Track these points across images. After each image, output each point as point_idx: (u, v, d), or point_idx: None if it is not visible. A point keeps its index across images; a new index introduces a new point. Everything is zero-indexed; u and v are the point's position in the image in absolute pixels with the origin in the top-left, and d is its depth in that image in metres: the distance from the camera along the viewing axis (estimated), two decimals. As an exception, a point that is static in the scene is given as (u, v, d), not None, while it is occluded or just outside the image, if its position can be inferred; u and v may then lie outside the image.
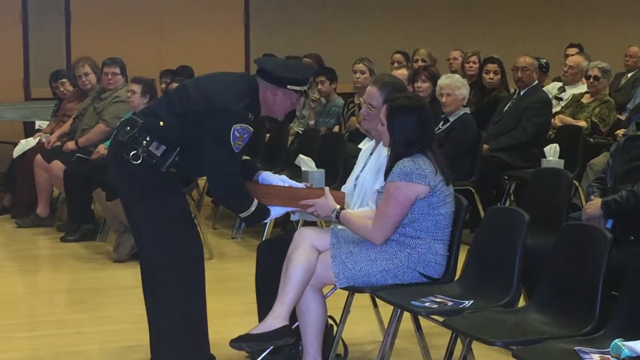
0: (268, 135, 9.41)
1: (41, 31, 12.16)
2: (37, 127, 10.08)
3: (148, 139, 4.83)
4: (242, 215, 4.96)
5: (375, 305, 5.65)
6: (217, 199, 4.96)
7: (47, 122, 9.89)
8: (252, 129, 4.81)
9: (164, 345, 5.01)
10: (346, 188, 5.31)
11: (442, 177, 4.79)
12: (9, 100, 11.50)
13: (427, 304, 4.56)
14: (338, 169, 7.88)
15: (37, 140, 9.44)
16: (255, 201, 4.90)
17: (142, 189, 4.91)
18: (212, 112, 4.79)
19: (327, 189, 5.00)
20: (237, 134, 4.76)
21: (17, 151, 9.46)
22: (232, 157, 4.80)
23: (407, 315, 4.82)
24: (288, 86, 4.91)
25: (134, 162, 4.83)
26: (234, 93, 4.86)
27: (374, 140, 5.34)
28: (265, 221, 5.27)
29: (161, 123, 4.87)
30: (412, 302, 4.57)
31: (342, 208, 4.88)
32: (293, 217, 5.34)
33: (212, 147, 4.81)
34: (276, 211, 5.01)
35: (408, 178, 4.72)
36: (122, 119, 5.09)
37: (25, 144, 9.49)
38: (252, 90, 4.92)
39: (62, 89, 9.71)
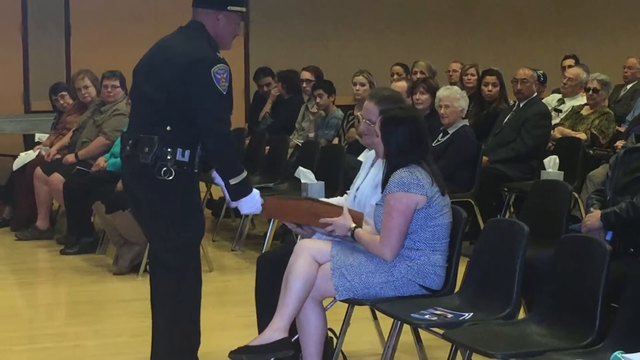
0: (268, 147, 9.41)
1: (41, 44, 12.17)
2: (36, 139, 10.08)
3: (170, 150, 4.82)
4: (233, 181, 4.84)
5: (375, 317, 5.65)
6: (210, 153, 4.78)
7: (47, 135, 9.89)
8: (228, 66, 4.81)
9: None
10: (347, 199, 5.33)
11: (438, 188, 4.80)
12: (9, 113, 11.51)
13: (427, 316, 4.56)
14: (338, 181, 7.88)
15: (36, 153, 9.44)
16: (245, 172, 4.87)
17: (172, 205, 4.88)
18: (186, 71, 4.76)
19: (345, 208, 5.01)
20: (218, 76, 4.76)
21: (17, 164, 9.46)
22: (220, 100, 4.78)
23: (407, 327, 4.82)
24: (228, 7, 4.92)
25: (168, 179, 4.80)
26: (193, 44, 4.85)
27: (373, 151, 5.34)
28: (247, 211, 5.04)
29: (168, 128, 4.84)
30: (412, 315, 4.57)
31: (357, 226, 4.89)
32: (314, 237, 5.28)
33: (200, 97, 4.77)
34: (254, 201, 4.94)
35: (406, 188, 4.73)
36: (126, 141, 4.99)
37: (25, 156, 9.49)
38: (202, 31, 4.92)
39: (61, 101, 9.72)
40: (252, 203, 4.96)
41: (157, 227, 4.98)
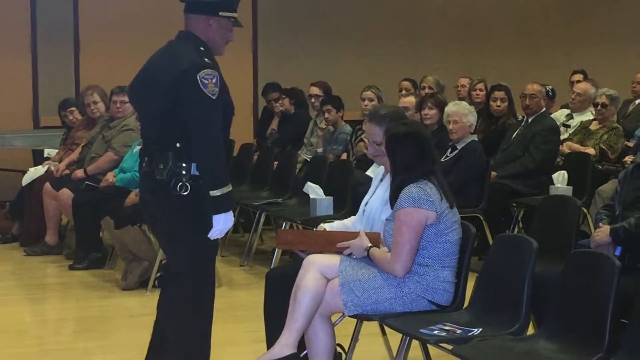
0: (276, 163, 9.42)
1: (50, 60, 12.19)
2: (46, 155, 10.11)
3: (184, 165, 4.80)
4: (215, 192, 4.72)
5: (383, 333, 5.64)
6: (196, 157, 4.75)
7: (56, 151, 9.92)
8: (217, 71, 4.77)
9: None
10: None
11: (447, 204, 4.80)
12: (18, 129, 11.53)
13: (435, 332, 4.55)
14: (346, 196, 7.88)
15: (45, 168, 9.46)
16: (230, 187, 4.78)
17: (185, 221, 4.87)
18: (176, 84, 4.74)
19: (361, 229, 5.02)
20: (205, 81, 4.72)
21: (26, 179, 9.49)
22: (208, 104, 4.72)
23: (415, 343, 4.81)
24: (220, 13, 4.92)
25: (183, 194, 4.79)
26: (180, 55, 4.84)
27: (382, 166, 5.35)
28: (219, 228, 4.81)
29: (178, 145, 4.82)
30: (421, 330, 4.56)
31: (372, 246, 4.90)
32: None
33: (189, 103, 4.73)
34: (228, 221, 4.81)
35: (416, 204, 4.74)
36: (142, 157, 5.00)
37: (34, 172, 9.52)
38: (190, 39, 4.91)
39: (71, 117, 9.74)
40: (226, 221, 4.81)
41: (173, 242, 4.98)
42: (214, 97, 4.74)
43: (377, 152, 5.24)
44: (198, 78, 4.71)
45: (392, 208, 4.88)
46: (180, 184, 4.80)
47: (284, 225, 8.18)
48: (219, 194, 4.74)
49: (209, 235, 4.79)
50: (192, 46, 4.88)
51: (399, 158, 4.87)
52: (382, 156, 5.18)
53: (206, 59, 4.82)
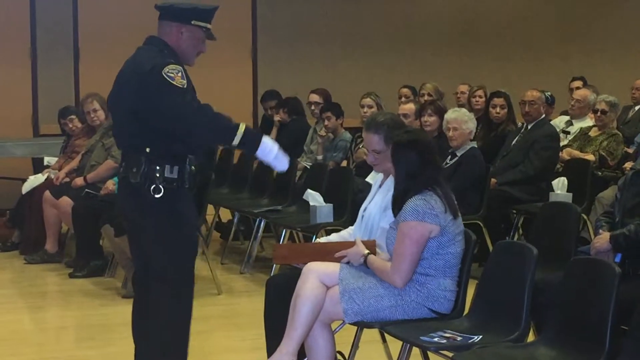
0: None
1: (50, 68, 12.21)
2: (45, 163, 10.11)
3: (158, 167, 4.84)
4: (236, 141, 4.77)
5: (384, 340, 5.63)
6: (201, 138, 4.80)
7: (56, 159, 9.92)
8: (180, 66, 4.79)
9: None
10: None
11: (451, 215, 4.80)
12: (18, 137, 11.53)
13: (436, 339, 4.55)
14: (346, 203, 7.88)
15: (45, 176, 9.46)
16: (243, 124, 4.81)
17: (161, 223, 4.90)
18: (142, 88, 4.77)
19: (358, 238, 5.05)
20: (171, 74, 4.74)
21: (26, 187, 9.48)
22: (182, 95, 4.73)
23: (416, 350, 4.81)
24: (192, 22, 4.93)
25: (156, 196, 4.82)
26: (143, 59, 4.88)
27: (381, 173, 5.35)
28: (277, 159, 4.87)
29: (147, 150, 4.85)
30: (421, 338, 4.56)
31: (370, 253, 4.91)
32: None
33: (162, 99, 4.74)
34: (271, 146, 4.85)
35: (420, 217, 4.74)
36: (121, 162, 5.07)
37: (34, 180, 9.51)
38: (156, 43, 4.95)
39: (70, 125, 9.74)
40: (270, 149, 4.84)
41: (153, 245, 4.98)
42: (185, 87, 4.76)
43: (376, 161, 5.25)
44: (163, 74, 4.75)
45: (394, 215, 4.89)
46: (154, 186, 4.84)
47: (283, 233, 8.18)
48: (240, 138, 4.77)
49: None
50: (155, 50, 4.93)
51: (402, 166, 4.87)
52: (382, 164, 5.19)
53: (169, 60, 4.84)
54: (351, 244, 5.01)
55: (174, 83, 4.73)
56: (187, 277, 5.03)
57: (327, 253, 5.04)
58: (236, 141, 4.78)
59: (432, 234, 4.78)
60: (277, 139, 10.37)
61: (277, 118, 10.56)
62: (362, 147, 8.78)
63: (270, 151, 4.85)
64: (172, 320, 4.95)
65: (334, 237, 5.44)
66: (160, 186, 4.82)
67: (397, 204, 4.86)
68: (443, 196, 4.82)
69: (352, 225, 5.48)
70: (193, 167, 4.96)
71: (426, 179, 4.84)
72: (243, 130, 4.79)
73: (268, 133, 10.74)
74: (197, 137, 4.90)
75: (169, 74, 4.74)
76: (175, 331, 4.96)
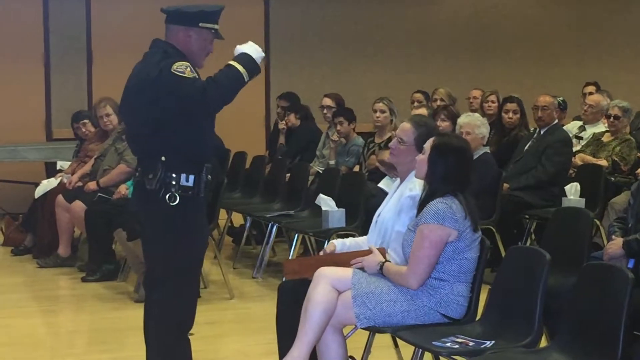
0: (288, 175, 9.43)
1: (63, 72, 12.25)
2: (58, 167, 10.13)
3: (174, 175, 4.85)
4: (247, 79, 4.92)
5: (396, 345, 5.63)
6: (215, 102, 4.86)
7: (69, 163, 9.94)
8: (187, 62, 4.82)
9: None
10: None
11: (470, 223, 4.80)
12: (31, 141, 11.58)
13: (448, 345, 4.55)
14: (358, 208, 7.87)
15: (58, 180, 9.48)
16: (237, 66, 4.88)
17: (174, 231, 4.92)
18: (153, 93, 4.80)
19: (372, 246, 5.05)
20: (180, 69, 4.77)
21: (39, 192, 9.51)
22: (193, 82, 4.77)
23: (428, 355, 4.80)
24: (200, 24, 4.95)
25: (171, 204, 4.84)
26: (150, 64, 4.90)
27: (398, 180, 5.35)
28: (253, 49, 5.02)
29: (163, 158, 4.87)
30: (434, 343, 4.56)
31: (386, 261, 4.92)
32: None
33: (175, 91, 4.76)
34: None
35: (441, 220, 4.74)
36: (137, 167, 5.11)
37: (47, 184, 9.54)
38: (160, 46, 4.97)
39: (83, 129, 9.76)
40: (257, 51, 5.02)
41: (157, 250, 5.02)
42: (191, 76, 4.79)
43: (396, 151, 5.26)
44: (173, 71, 4.77)
45: (416, 215, 4.88)
46: (170, 194, 4.84)
47: (295, 238, 8.18)
48: (247, 79, 4.92)
49: None
50: (160, 52, 4.94)
51: (441, 167, 4.86)
52: (398, 155, 5.21)
53: (174, 59, 4.86)
54: (363, 253, 5.01)
55: (186, 75, 4.76)
56: (193, 282, 5.07)
57: (339, 264, 5.04)
58: (247, 79, 4.91)
59: (450, 238, 4.77)
60: (287, 144, 10.42)
61: (281, 126, 10.59)
62: (377, 150, 8.78)
63: (256, 50, 5.01)
64: (174, 322, 4.97)
65: (349, 242, 5.44)
66: (176, 194, 4.84)
67: (423, 204, 4.86)
68: (465, 204, 4.81)
69: (364, 229, 5.48)
70: (209, 176, 4.97)
71: (454, 186, 4.84)
72: (243, 70, 4.88)
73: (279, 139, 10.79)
74: (220, 106, 4.89)
75: (178, 69, 4.77)
76: (177, 334, 4.98)
